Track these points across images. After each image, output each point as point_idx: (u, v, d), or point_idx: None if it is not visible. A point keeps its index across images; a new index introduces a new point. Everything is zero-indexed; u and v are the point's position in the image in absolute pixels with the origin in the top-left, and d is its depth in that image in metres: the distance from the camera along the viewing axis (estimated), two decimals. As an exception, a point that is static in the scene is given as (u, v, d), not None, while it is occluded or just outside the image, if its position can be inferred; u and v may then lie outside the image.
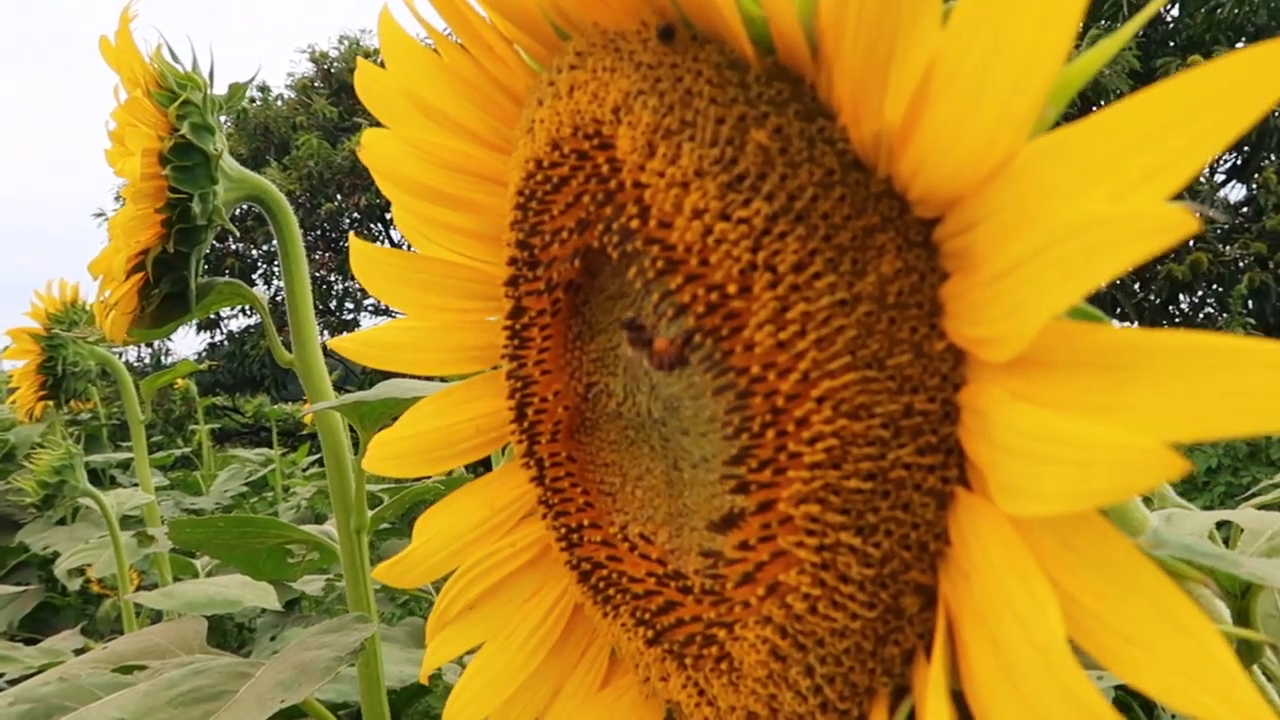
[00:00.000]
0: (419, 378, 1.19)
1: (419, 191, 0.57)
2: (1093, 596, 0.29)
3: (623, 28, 0.44)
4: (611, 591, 0.50)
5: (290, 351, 1.29)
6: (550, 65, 0.48)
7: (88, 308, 2.09)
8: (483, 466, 0.79)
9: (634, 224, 0.41)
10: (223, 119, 1.23)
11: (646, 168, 0.40)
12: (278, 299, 1.31)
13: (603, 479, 0.52)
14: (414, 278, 0.59)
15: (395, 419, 1.42)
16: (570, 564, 0.52)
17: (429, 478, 1.39)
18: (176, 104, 1.15)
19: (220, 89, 1.24)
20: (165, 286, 1.23)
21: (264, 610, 2.80)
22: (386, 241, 11.59)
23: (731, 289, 0.38)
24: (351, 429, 1.29)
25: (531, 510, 0.57)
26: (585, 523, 0.52)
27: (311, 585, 2.37)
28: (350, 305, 12.67)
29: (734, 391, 0.39)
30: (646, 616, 0.47)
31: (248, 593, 1.74)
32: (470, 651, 0.59)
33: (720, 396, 0.41)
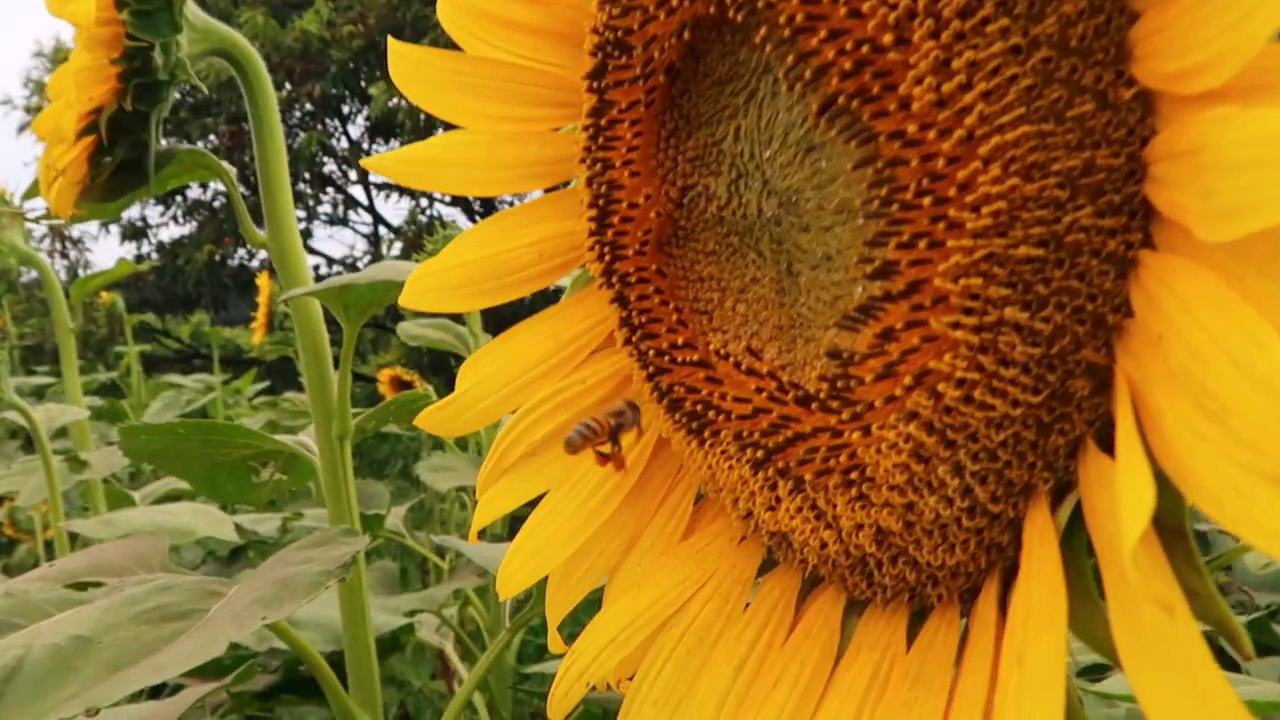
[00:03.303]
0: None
1: (474, -17, 0.58)
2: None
3: None
4: (711, 415, 0.51)
5: (262, 230, 1.29)
6: None
7: (9, 200, 2.08)
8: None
9: (766, -25, 0.42)
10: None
11: (786, -94, 0.41)
12: (216, 205, 1.31)
13: (697, 295, 0.54)
14: (465, 82, 0.60)
15: (385, 309, 1.42)
16: (657, 393, 0.54)
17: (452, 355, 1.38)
18: (134, -62, 1.14)
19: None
20: (120, 152, 1.23)
21: (206, 558, 2.81)
22: (344, 140, 11.44)
23: (886, 40, 0.39)
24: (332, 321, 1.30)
25: (605, 343, 0.59)
26: (680, 341, 0.53)
27: (264, 526, 2.39)
28: (302, 212, 12.55)
29: (881, 160, 0.41)
30: (755, 437, 0.49)
31: (201, 521, 1.75)
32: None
33: (861, 171, 0.42)
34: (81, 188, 1.23)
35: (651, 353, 0.54)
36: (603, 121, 0.53)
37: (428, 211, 11.08)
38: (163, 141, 1.27)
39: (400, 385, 3.11)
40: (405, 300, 0.62)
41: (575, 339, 0.59)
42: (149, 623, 1.10)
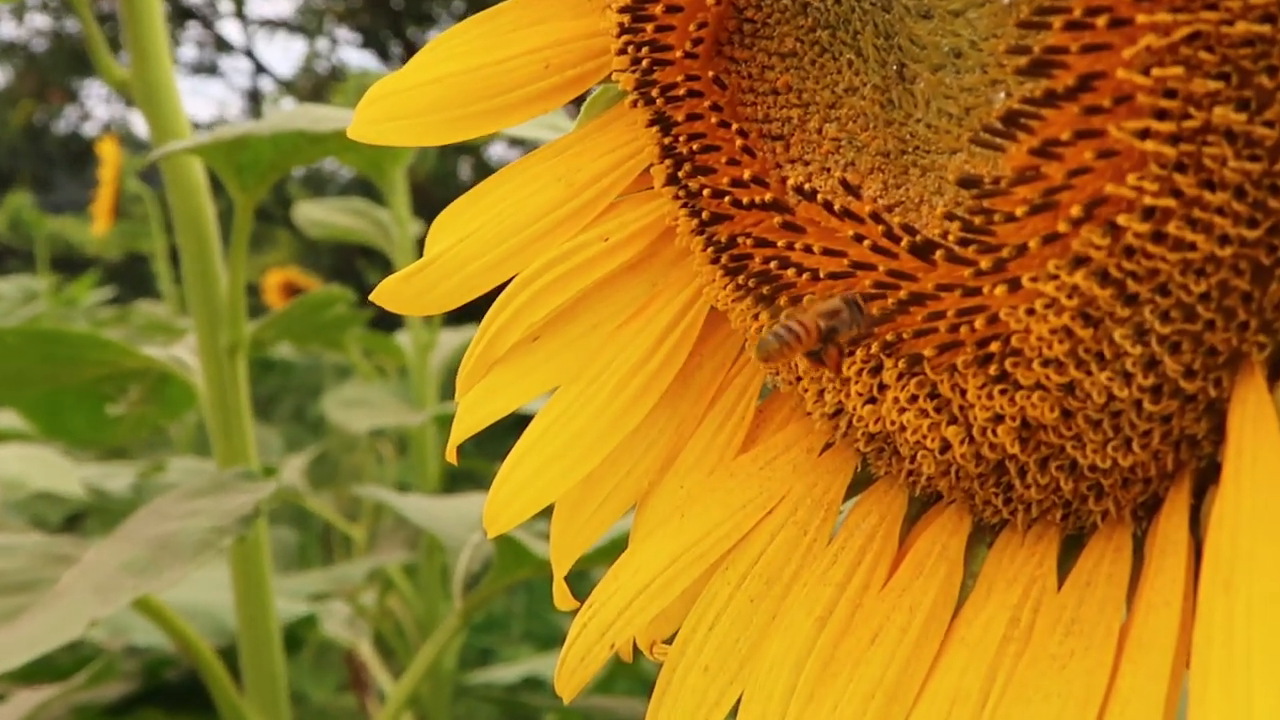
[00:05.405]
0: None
1: None
2: None
3: None
4: (789, 275, 0.52)
5: (125, 66, 1.28)
6: None
7: None
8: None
9: None
10: None
11: None
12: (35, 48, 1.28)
13: (769, 114, 0.54)
14: None
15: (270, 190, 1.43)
16: (713, 248, 0.54)
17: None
18: None
19: None
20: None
21: (34, 526, 2.80)
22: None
23: None
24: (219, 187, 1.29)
25: (637, 184, 0.59)
26: (745, 177, 0.53)
27: (113, 482, 2.39)
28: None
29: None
30: (850, 304, 0.50)
31: (35, 470, 1.74)
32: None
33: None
34: None
35: (706, 193, 0.54)
36: None
37: (329, 57, 10.93)
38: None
39: (294, 294, 3.09)
40: (357, 130, 0.62)
41: (594, 180, 0.59)
42: (-20, 595, 1.11)
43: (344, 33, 10.84)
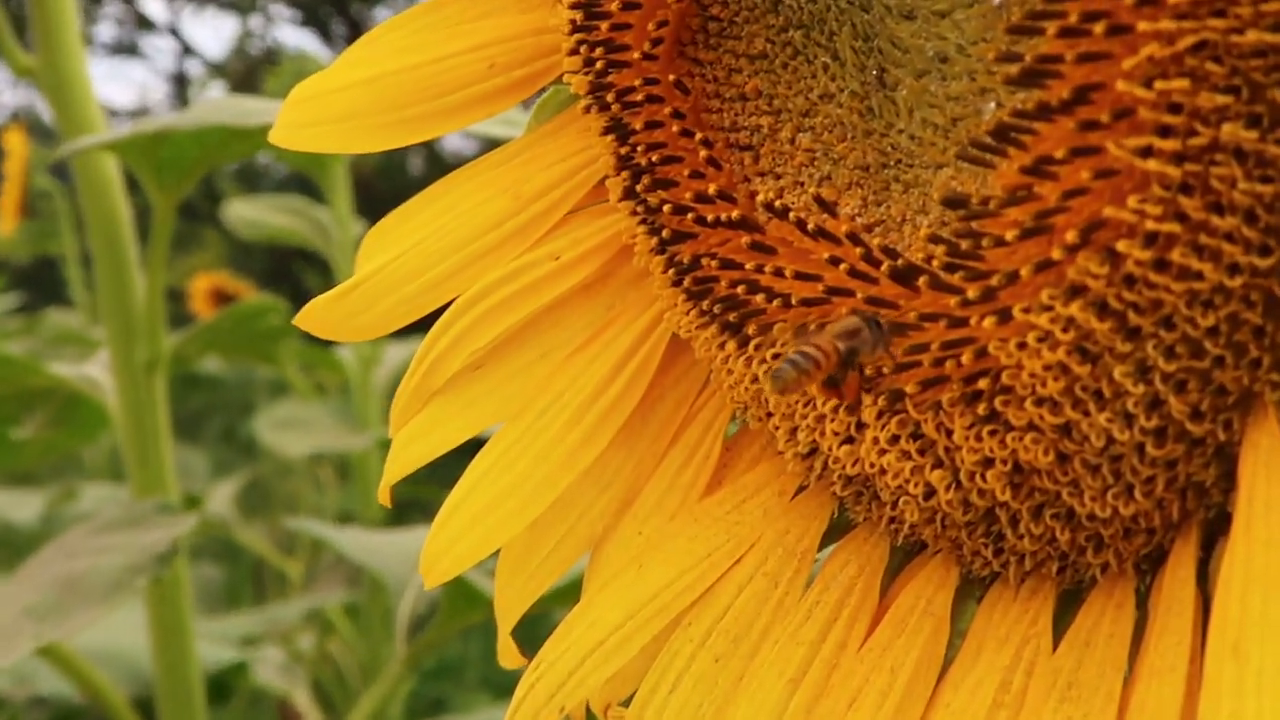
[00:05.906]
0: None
1: None
2: None
3: None
4: (759, 301, 0.51)
5: (30, 51, 1.27)
6: None
7: None
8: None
9: None
10: None
11: None
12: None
13: (736, 122, 0.54)
14: None
15: (198, 184, 1.44)
16: (674, 269, 0.54)
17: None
18: None
19: None
20: None
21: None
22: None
23: None
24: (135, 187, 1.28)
25: (590, 198, 0.59)
26: (710, 191, 0.53)
27: (20, 511, 2.37)
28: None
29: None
30: (825, 334, 0.49)
31: (-72, 500, 1.74)
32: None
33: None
34: None
35: (666, 208, 0.54)
36: None
37: (264, 37, 10.89)
38: None
39: (224, 300, 3.09)
40: (281, 135, 0.62)
41: (544, 192, 0.59)
42: None
43: (281, 9, 10.81)
